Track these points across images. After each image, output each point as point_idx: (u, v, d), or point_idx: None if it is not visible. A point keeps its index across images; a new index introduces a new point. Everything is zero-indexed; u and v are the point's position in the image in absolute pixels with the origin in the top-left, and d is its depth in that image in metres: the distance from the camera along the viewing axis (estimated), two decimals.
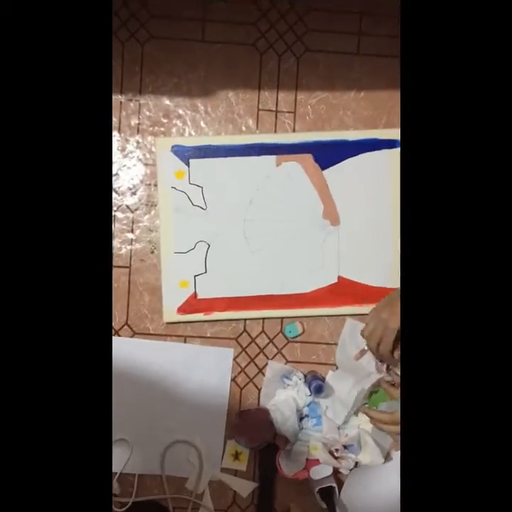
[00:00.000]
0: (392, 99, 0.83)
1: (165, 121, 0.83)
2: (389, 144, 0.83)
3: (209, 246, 0.83)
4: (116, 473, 0.83)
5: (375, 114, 0.84)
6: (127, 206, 0.83)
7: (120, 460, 0.83)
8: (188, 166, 0.82)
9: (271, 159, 0.83)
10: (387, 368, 0.80)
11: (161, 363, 0.83)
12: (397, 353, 0.74)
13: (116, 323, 0.83)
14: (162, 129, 0.83)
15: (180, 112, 0.83)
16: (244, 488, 0.83)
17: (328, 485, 0.77)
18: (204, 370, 0.83)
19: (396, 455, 0.79)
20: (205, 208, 0.82)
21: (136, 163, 0.83)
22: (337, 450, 0.78)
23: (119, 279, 0.83)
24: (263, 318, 0.84)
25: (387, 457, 0.79)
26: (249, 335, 0.84)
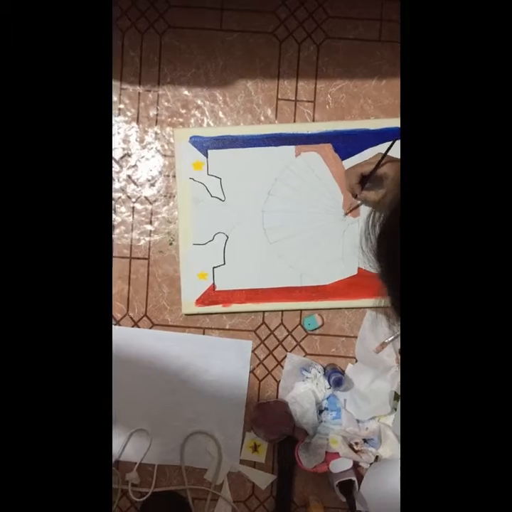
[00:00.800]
0: None
1: (183, 111, 0.83)
2: None
3: (227, 237, 0.82)
4: (135, 463, 0.83)
5: (397, 102, 0.82)
6: (146, 198, 0.83)
7: (139, 450, 0.83)
8: (207, 157, 0.81)
9: (290, 149, 0.81)
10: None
11: (180, 355, 0.83)
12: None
13: (135, 315, 0.84)
14: (180, 119, 0.83)
15: (199, 102, 0.82)
16: (263, 480, 0.83)
17: (347, 478, 0.77)
18: (223, 362, 0.83)
19: None
20: (223, 199, 0.82)
21: (154, 154, 0.83)
22: (357, 443, 0.77)
23: (137, 270, 0.83)
24: (282, 311, 0.84)
25: None
26: (268, 327, 0.84)
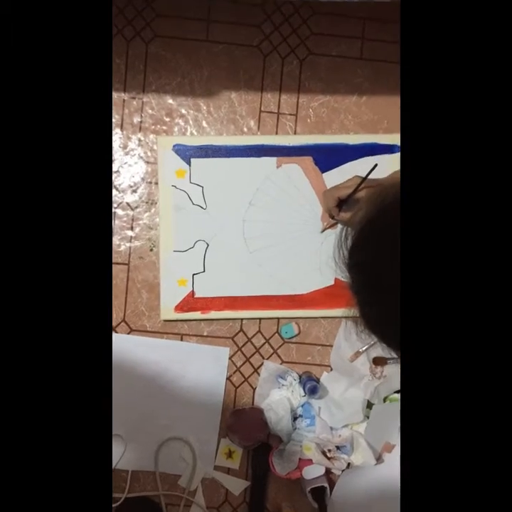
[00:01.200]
0: (393, 105, 0.84)
1: (167, 119, 0.83)
2: (388, 149, 0.84)
3: (208, 245, 0.83)
4: None
5: (376, 118, 0.85)
6: (127, 203, 0.84)
7: (114, 456, 0.83)
8: (189, 165, 0.82)
9: (271, 161, 0.83)
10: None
11: (157, 361, 0.84)
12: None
13: (113, 320, 0.84)
14: (164, 127, 0.83)
15: (183, 111, 0.83)
16: (237, 486, 0.84)
17: (320, 485, 0.78)
18: (200, 368, 0.84)
19: (388, 457, 0.80)
20: (205, 207, 0.83)
21: (137, 160, 0.83)
22: (330, 450, 0.79)
23: (117, 275, 0.83)
24: (260, 319, 0.85)
25: (379, 459, 0.79)
26: (245, 334, 0.85)
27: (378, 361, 0.84)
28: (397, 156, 0.84)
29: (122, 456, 0.83)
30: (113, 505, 0.82)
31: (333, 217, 0.80)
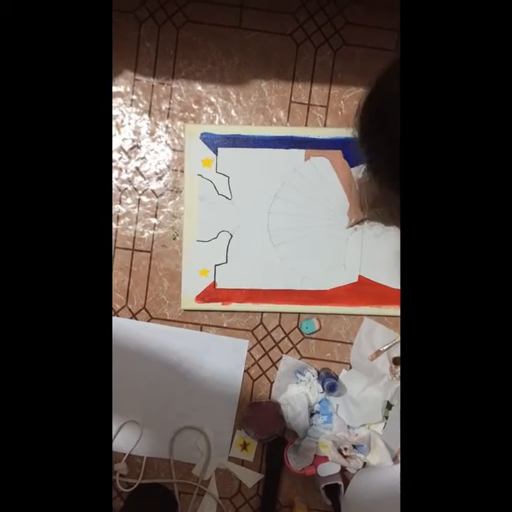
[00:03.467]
0: None
1: (196, 107, 0.82)
2: None
3: (231, 236, 0.82)
4: (124, 454, 0.84)
5: None
6: (152, 191, 0.83)
7: (129, 442, 0.84)
8: (216, 155, 0.81)
9: (300, 153, 0.82)
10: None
11: (176, 350, 0.84)
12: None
13: (134, 307, 0.84)
14: (192, 115, 0.82)
15: (212, 99, 0.82)
16: (250, 478, 0.84)
17: (334, 482, 0.78)
18: (218, 359, 0.84)
19: None
20: (230, 197, 0.82)
21: (164, 148, 0.83)
22: (346, 449, 0.78)
23: (139, 263, 0.83)
24: (280, 313, 0.84)
25: (395, 459, 0.79)
26: (265, 328, 0.84)
27: (399, 361, 0.83)
28: None
29: (138, 442, 0.84)
30: (127, 490, 0.83)
31: (362, 210, 0.78)
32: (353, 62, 0.82)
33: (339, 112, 0.82)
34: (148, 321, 0.84)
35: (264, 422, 0.81)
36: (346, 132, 0.82)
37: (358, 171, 0.56)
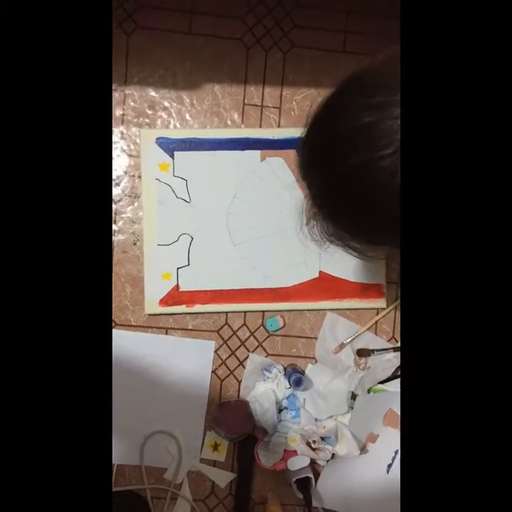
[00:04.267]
0: None
1: (150, 112, 0.83)
2: None
3: (192, 239, 0.83)
4: None
5: None
6: None
7: None
8: (173, 159, 0.82)
9: (255, 154, 0.83)
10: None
11: (142, 355, 0.84)
12: None
13: None
14: (147, 120, 0.83)
15: (166, 103, 0.83)
16: (223, 478, 0.84)
17: (304, 476, 0.79)
18: (185, 361, 0.84)
19: (372, 447, 0.81)
20: (189, 200, 0.83)
21: (120, 153, 0.83)
22: (314, 442, 0.80)
23: None
24: (245, 312, 0.85)
25: (363, 449, 0.80)
26: (230, 328, 0.85)
27: (362, 353, 0.85)
28: None
29: None
30: None
31: None
32: (302, 64, 0.84)
33: (292, 113, 0.84)
34: (112, 328, 0.83)
35: (234, 421, 0.82)
36: (300, 132, 0.84)
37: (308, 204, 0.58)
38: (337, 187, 0.47)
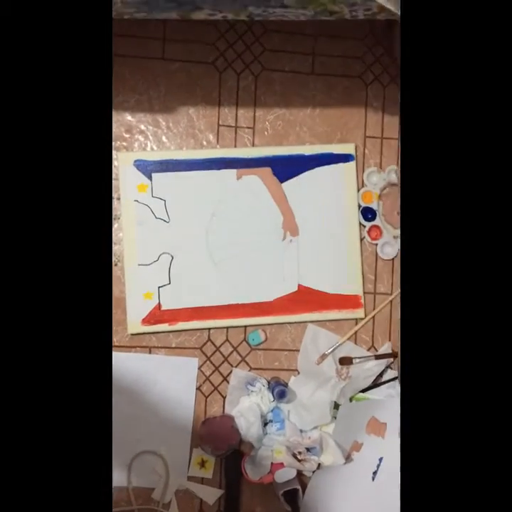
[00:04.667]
0: (345, 116, 0.88)
1: (127, 136, 0.85)
2: (343, 158, 0.87)
3: (172, 258, 0.84)
4: None
5: (330, 130, 0.89)
6: None
7: None
8: (151, 180, 0.84)
9: (231, 173, 0.86)
10: None
11: (126, 375, 0.84)
12: None
13: None
14: (124, 143, 0.85)
15: (142, 127, 0.85)
16: (211, 495, 0.84)
17: (292, 487, 0.79)
18: (169, 379, 0.85)
19: (356, 456, 0.82)
20: (168, 220, 0.84)
21: None
22: (300, 453, 0.80)
23: None
24: (227, 327, 0.86)
25: (348, 458, 0.81)
26: (213, 344, 0.86)
27: (344, 361, 0.86)
28: (351, 164, 0.88)
29: None
30: None
31: None
32: (273, 86, 0.87)
33: (265, 132, 0.87)
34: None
35: (219, 437, 0.82)
36: (273, 150, 0.87)
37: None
38: None
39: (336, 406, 0.83)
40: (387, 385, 0.85)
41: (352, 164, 0.88)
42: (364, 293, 0.88)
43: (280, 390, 0.80)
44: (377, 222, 0.88)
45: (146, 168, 0.84)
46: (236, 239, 0.86)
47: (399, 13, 0.52)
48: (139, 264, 0.84)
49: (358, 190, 0.88)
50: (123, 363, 0.84)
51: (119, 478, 0.83)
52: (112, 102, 0.82)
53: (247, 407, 0.83)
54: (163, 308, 0.84)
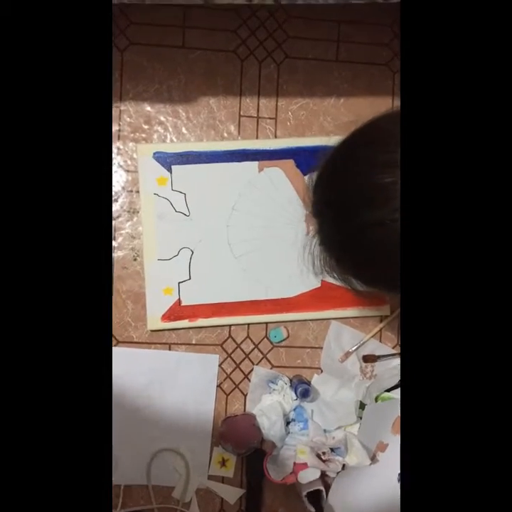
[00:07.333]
0: (371, 106, 0.85)
1: (146, 127, 0.83)
2: None
3: (192, 252, 0.82)
4: None
5: (354, 120, 0.84)
6: None
7: None
8: (171, 173, 0.82)
9: (253, 165, 0.83)
10: None
11: (146, 372, 0.82)
12: None
13: None
14: (143, 135, 0.83)
15: (162, 118, 0.83)
16: (232, 494, 0.83)
17: (315, 488, 0.78)
18: (189, 377, 0.83)
19: (382, 456, 0.80)
20: (188, 214, 0.82)
21: (117, 169, 0.82)
22: (324, 453, 0.79)
23: None
24: (248, 324, 0.84)
25: (373, 459, 0.79)
26: (234, 340, 0.84)
27: (368, 359, 0.84)
28: None
29: (113, 471, 0.81)
30: None
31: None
32: (296, 74, 0.84)
33: (288, 123, 0.84)
34: (115, 346, 0.82)
35: (241, 436, 0.80)
36: (296, 142, 0.84)
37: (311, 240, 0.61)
38: (350, 237, 0.49)
39: (362, 406, 0.81)
40: None
41: None
42: None
43: (304, 389, 0.78)
44: None
45: (166, 161, 0.81)
46: (257, 233, 0.84)
47: None
48: (159, 259, 0.82)
49: None
50: (142, 359, 0.82)
51: (138, 476, 0.82)
52: (112, 99, 0.80)
53: (268, 405, 0.81)
54: (183, 304, 0.82)
